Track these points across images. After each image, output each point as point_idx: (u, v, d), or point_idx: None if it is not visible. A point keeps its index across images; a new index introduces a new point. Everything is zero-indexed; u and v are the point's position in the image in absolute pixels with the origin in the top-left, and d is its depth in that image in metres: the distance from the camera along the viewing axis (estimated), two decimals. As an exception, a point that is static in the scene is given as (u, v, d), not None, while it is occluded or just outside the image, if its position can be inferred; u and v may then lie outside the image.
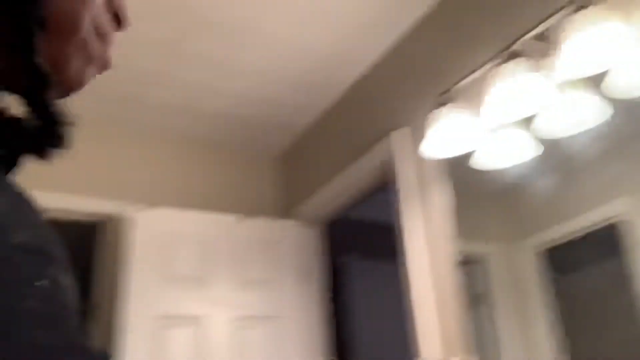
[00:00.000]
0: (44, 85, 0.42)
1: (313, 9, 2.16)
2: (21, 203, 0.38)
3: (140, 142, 2.84)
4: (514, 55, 1.60)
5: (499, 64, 1.62)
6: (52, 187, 2.41)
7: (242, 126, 2.88)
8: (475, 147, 1.82)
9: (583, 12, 1.41)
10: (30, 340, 0.32)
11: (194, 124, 2.84)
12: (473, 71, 1.79)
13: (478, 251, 1.85)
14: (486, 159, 1.81)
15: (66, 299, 0.37)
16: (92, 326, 2.38)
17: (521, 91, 1.57)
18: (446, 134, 1.79)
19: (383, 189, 2.39)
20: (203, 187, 2.88)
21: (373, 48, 2.39)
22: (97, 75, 0.50)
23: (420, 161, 2.06)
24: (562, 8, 1.50)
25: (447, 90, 1.86)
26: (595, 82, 1.48)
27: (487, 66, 1.70)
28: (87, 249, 2.66)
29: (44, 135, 0.44)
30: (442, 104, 1.84)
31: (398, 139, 2.19)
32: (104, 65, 0.50)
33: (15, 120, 0.43)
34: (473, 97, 1.79)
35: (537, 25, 1.58)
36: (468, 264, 1.85)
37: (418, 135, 2.07)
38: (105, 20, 0.48)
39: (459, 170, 1.90)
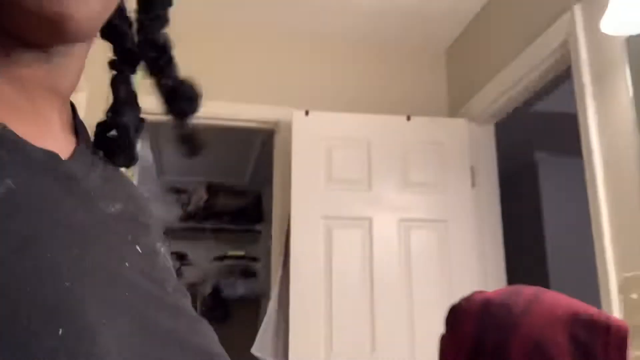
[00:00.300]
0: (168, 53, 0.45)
1: None
2: None
3: (310, 45, 2.81)
4: None
5: None
6: (213, 97, 2.52)
7: (401, 19, 2.67)
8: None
9: None
10: None
11: (352, 23, 2.71)
12: None
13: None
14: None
15: None
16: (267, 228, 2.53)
17: None
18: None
19: (568, 77, 2.06)
20: (363, 89, 2.78)
21: None
22: None
23: (605, 39, 1.71)
24: None
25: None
26: None
27: None
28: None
29: (180, 97, 0.45)
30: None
31: (582, 12, 1.84)
32: None
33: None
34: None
35: None
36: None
37: (599, 8, 1.70)
38: None
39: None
